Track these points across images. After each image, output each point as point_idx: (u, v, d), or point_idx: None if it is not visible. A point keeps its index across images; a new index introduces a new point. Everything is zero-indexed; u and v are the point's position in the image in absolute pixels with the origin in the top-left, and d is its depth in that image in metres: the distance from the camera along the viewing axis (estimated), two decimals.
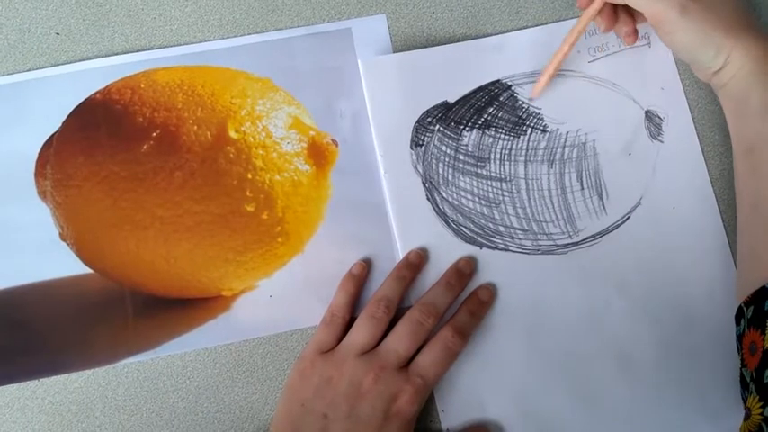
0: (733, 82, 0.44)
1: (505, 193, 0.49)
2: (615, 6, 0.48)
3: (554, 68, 0.49)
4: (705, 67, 0.45)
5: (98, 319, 0.47)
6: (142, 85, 0.47)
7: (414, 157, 0.49)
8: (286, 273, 0.48)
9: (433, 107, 0.50)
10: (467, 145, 0.49)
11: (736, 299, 0.43)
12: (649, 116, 0.50)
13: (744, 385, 0.40)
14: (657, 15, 0.44)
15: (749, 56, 0.43)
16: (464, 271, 0.47)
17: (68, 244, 0.47)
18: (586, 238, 0.48)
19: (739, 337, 0.41)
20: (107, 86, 0.49)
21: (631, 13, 0.48)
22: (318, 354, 0.44)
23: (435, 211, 0.48)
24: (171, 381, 0.47)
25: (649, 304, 0.47)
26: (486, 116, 0.50)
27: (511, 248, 0.48)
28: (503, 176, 0.49)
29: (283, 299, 0.48)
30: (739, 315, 0.41)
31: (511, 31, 0.52)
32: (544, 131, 0.50)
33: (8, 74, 0.50)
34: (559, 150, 0.49)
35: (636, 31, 0.49)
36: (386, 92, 0.50)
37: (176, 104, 0.46)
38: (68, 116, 0.48)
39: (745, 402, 0.39)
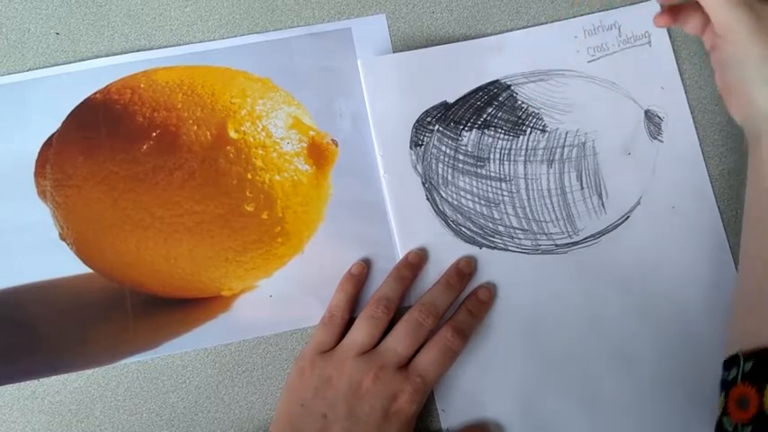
0: None
1: (505, 193, 0.49)
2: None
3: None
4: (752, 97, 0.40)
5: (98, 319, 0.47)
6: (142, 85, 0.47)
7: (413, 157, 0.49)
8: (286, 273, 0.48)
9: (433, 107, 0.50)
10: (466, 145, 0.49)
11: (729, 341, 0.40)
12: (649, 116, 0.50)
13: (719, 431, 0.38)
14: (727, 24, 0.40)
15: None
16: (464, 271, 0.47)
17: (68, 244, 0.47)
18: (586, 238, 0.48)
19: (726, 383, 0.39)
20: (107, 86, 0.49)
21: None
22: (318, 354, 0.44)
23: (435, 210, 0.48)
24: (171, 381, 0.47)
25: (649, 304, 0.47)
26: (485, 116, 0.50)
27: (510, 248, 0.48)
28: (502, 176, 0.49)
29: (283, 299, 0.48)
30: (733, 362, 0.38)
31: (511, 30, 0.52)
32: (543, 131, 0.50)
33: (8, 74, 0.50)
34: (559, 150, 0.49)
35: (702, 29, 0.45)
36: (385, 92, 0.50)
37: (176, 104, 0.46)
38: (68, 116, 0.48)
39: None
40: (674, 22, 0.46)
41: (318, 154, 0.48)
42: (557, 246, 0.48)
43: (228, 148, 0.46)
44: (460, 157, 0.49)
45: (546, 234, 0.48)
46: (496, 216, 0.48)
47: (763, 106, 0.40)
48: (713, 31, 0.42)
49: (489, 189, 0.49)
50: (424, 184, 0.49)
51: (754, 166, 0.42)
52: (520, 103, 0.50)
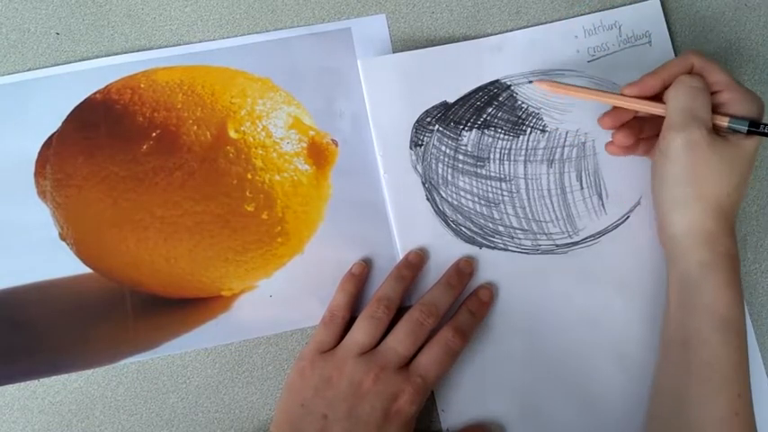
0: (689, 265, 0.42)
1: (505, 193, 0.49)
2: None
3: (574, 92, 0.46)
4: (672, 222, 0.43)
5: (98, 319, 0.47)
6: (142, 85, 0.47)
7: (413, 157, 0.49)
8: (286, 273, 0.48)
9: (433, 107, 0.50)
10: (466, 145, 0.49)
11: None
12: None
13: None
14: (674, 133, 0.42)
15: (721, 248, 0.41)
16: (464, 271, 0.47)
17: (68, 244, 0.47)
18: (586, 238, 0.48)
19: None
20: (107, 86, 0.49)
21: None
22: (318, 354, 0.44)
23: (435, 211, 0.48)
24: (171, 381, 0.47)
25: (649, 304, 0.47)
26: (485, 116, 0.50)
27: (510, 248, 0.48)
28: (502, 176, 0.49)
29: (283, 299, 0.48)
30: None
31: (511, 30, 0.52)
32: (543, 131, 0.50)
33: (8, 74, 0.50)
34: (559, 150, 0.49)
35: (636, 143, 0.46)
36: (385, 92, 0.50)
37: (176, 104, 0.46)
38: (68, 116, 0.48)
39: None
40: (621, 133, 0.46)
41: (318, 154, 0.48)
42: (557, 246, 0.48)
43: (228, 148, 0.46)
44: (460, 157, 0.49)
45: (546, 234, 0.48)
46: (496, 216, 0.48)
47: (677, 232, 0.42)
48: (658, 147, 0.43)
49: (489, 189, 0.49)
50: (424, 184, 0.49)
51: (670, 284, 0.43)
52: (520, 103, 0.50)
